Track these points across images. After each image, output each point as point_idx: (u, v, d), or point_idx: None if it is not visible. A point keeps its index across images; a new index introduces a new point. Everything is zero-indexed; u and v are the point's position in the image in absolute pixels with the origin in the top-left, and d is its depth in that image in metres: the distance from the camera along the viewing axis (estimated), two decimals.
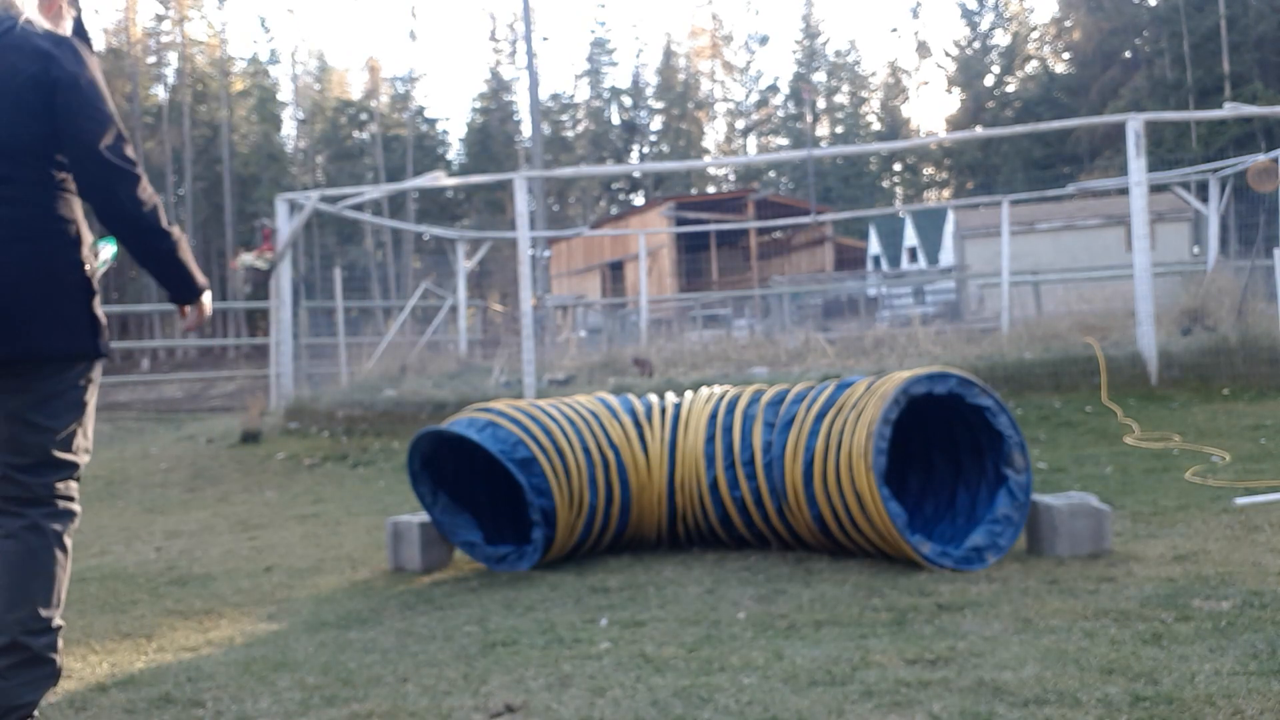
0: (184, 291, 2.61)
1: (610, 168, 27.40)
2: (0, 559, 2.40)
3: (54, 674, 2.47)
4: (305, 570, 4.78)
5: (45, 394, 2.44)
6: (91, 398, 2.54)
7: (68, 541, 2.49)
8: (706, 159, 60.61)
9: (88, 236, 2.54)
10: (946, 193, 60.86)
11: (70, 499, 2.51)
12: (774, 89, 68.33)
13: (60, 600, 2.46)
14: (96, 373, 2.55)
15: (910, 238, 36.95)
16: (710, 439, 4.56)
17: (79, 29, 2.64)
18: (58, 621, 2.46)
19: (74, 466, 2.51)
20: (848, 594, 3.66)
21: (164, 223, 2.53)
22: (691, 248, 34.59)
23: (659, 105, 66.48)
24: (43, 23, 2.50)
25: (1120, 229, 24.82)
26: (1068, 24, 56.68)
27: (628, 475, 4.55)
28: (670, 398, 4.92)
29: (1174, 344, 8.98)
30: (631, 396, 4.97)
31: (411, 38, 75.75)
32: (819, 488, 4.14)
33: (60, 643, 2.49)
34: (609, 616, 3.52)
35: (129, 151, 2.47)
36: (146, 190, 2.49)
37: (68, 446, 2.49)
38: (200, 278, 2.62)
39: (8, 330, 2.38)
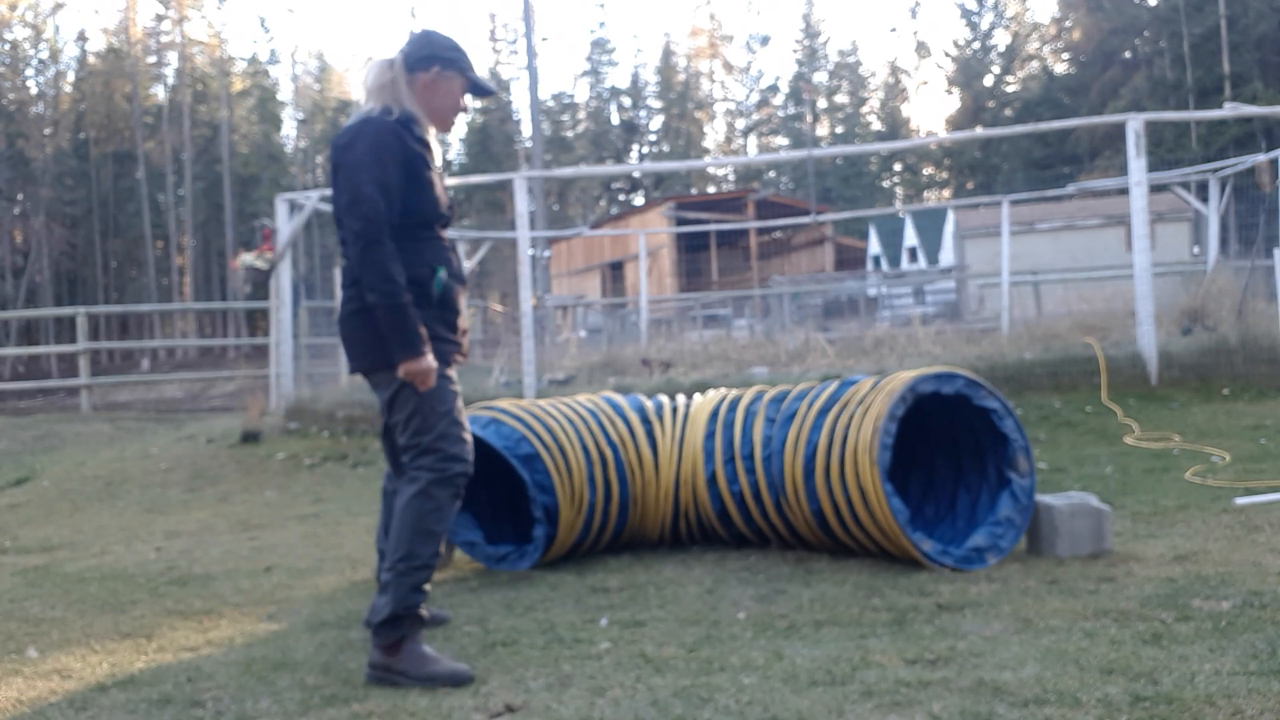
0: (394, 349, 2.97)
1: (610, 168, 27.42)
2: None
3: (387, 602, 2.96)
4: (305, 570, 4.77)
5: (382, 398, 3.12)
6: (413, 394, 3.02)
7: (419, 504, 3.00)
8: (706, 159, 60.58)
9: (411, 271, 3.03)
10: (946, 193, 60.88)
11: (422, 470, 3.02)
12: (774, 89, 68.39)
13: (414, 551, 2.98)
14: (407, 372, 2.98)
15: (910, 238, 36.94)
16: (710, 434, 4.57)
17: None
18: (417, 564, 2.98)
19: (416, 447, 3.04)
20: (848, 594, 3.66)
21: (378, 282, 2.93)
22: (691, 248, 34.60)
23: (659, 105, 66.50)
24: (376, 106, 3.11)
25: (1120, 229, 24.82)
26: (1068, 24, 56.66)
27: (626, 474, 4.55)
28: (680, 398, 4.93)
29: (1174, 344, 8.98)
30: (641, 396, 4.98)
31: None
32: (820, 482, 4.14)
33: (410, 573, 2.96)
34: (609, 616, 3.52)
35: (364, 213, 2.94)
36: (371, 253, 2.93)
37: (407, 432, 3.05)
38: (401, 350, 2.94)
39: (346, 353, 3.16)
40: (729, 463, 4.48)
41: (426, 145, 3.15)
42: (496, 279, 40.42)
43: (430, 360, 2.98)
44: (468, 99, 3.29)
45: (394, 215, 3.00)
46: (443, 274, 3.11)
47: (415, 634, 2.96)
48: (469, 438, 3.11)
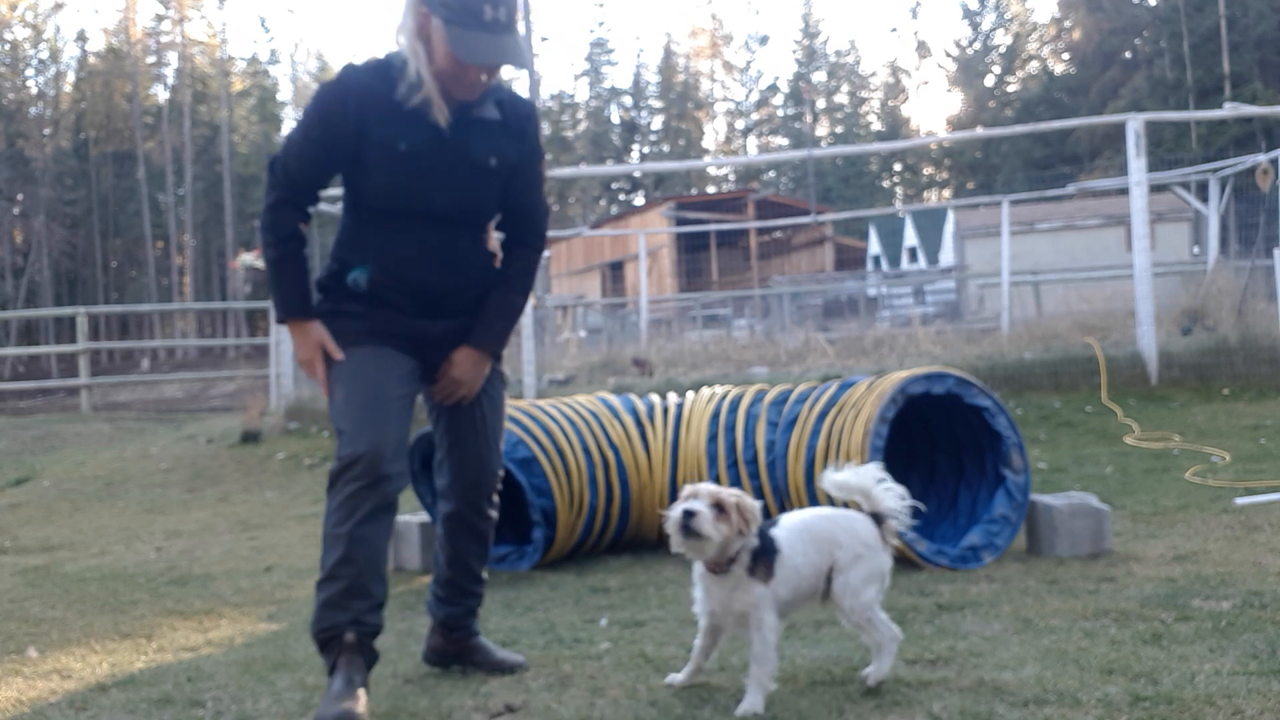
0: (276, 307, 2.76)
1: (610, 168, 27.43)
2: None
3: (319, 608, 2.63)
4: (305, 570, 4.77)
5: None
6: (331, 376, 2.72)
7: (331, 518, 2.60)
8: (706, 159, 60.61)
9: (345, 256, 2.74)
10: (946, 193, 60.89)
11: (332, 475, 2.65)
12: (774, 89, 68.38)
13: (322, 562, 2.61)
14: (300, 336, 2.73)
15: (910, 238, 36.96)
16: (713, 438, 4.56)
17: None
18: (323, 576, 2.59)
19: (339, 440, 2.64)
20: None
21: (267, 234, 2.67)
22: (691, 248, 34.59)
23: (659, 105, 66.49)
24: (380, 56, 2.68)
25: (1120, 229, 24.84)
26: (1068, 24, 56.68)
27: (628, 475, 4.55)
28: (673, 398, 4.92)
29: (1174, 344, 8.98)
30: (633, 396, 4.97)
31: None
32: (819, 487, 4.14)
33: (319, 588, 2.62)
34: (609, 616, 3.52)
35: (270, 165, 2.67)
36: (264, 209, 2.68)
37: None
38: (284, 304, 2.67)
39: None
40: (732, 467, 4.47)
41: (408, 115, 2.58)
42: None
43: (309, 332, 2.66)
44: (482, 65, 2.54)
45: (306, 173, 2.62)
46: (358, 276, 2.68)
47: (344, 662, 2.54)
48: (374, 427, 2.58)
